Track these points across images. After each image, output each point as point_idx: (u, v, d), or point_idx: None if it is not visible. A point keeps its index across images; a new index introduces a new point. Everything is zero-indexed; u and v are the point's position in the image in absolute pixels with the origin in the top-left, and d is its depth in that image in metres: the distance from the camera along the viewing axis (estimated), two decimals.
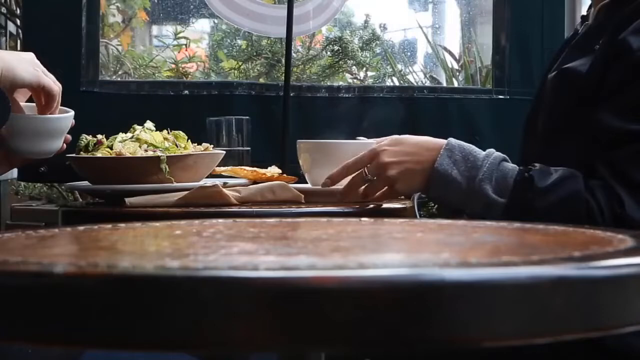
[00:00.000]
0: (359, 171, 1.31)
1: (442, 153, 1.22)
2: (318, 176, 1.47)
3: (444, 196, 1.25)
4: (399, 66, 3.23)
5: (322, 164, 1.47)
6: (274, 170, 1.53)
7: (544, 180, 1.15)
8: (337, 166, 1.36)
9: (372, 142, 1.48)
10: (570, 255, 0.54)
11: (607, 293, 0.49)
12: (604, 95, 1.18)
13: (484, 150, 1.24)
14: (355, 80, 3.08)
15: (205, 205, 1.29)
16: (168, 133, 1.44)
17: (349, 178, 1.35)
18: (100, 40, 2.53)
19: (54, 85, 1.25)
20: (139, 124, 1.45)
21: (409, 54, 3.50)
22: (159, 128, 1.45)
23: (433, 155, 1.23)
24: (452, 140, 1.25)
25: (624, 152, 1.13)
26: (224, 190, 1.32)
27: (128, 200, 1.31)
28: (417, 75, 3.29)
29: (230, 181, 1.45)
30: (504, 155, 1.22)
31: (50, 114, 1.26)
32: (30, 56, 1.26)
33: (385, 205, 1.35)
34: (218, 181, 1.39)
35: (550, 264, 0.49)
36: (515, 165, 1.21)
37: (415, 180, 1.26)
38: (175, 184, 1.35)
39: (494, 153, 1.22)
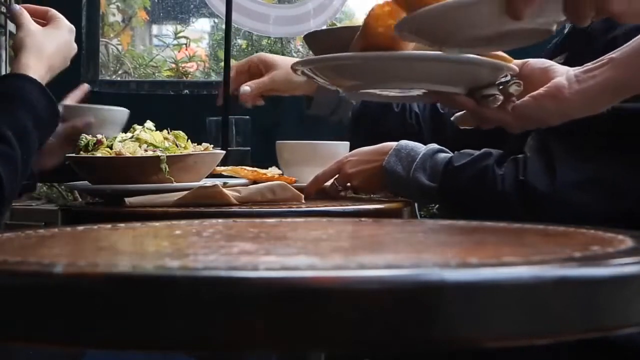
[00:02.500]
0: (329, 181, 1.44)
1: (390, 153, 1.34)
2: (294, 175, 1.52)
3: (397, 191, 1.37)
4: None
5: (297, 164, 1.55)
6: (274, 171, 1.53)
7: (460, 160, 1.26)
8: (313, 166, 1.49)
9: (346, 144, 1.54)
10: (571, 256, 0.54)
11: (608, 293, 0.49)
12: None
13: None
14: None
15: (205, 205, 1.29)
16: (168, 133, 1.44)
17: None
18: (100, 39, 2.53)
19: None
20: (139, 124, 1.45)
21: None
22: (159, 128, 1.45)
23: (385, 158, 1.35)
24: (403, 141, 1.36)
25: (555, 129, 1.15)
26: (224, 190, 1.32)
27: (128, 200, 1.31)
28: None
29: (230, 181, 1.45)
30: (441, 147, 1.33)
31: None
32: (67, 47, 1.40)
33: (385, 206, 1.36)
34: (218, 181, 1.39)
35: (550, 265, 0.49)
36: (450, 154, 1.31)
37: (374, 184, 1.40)
38: (175, 184, 1.35)
39: (431, 145, 1.33)
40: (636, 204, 1.15)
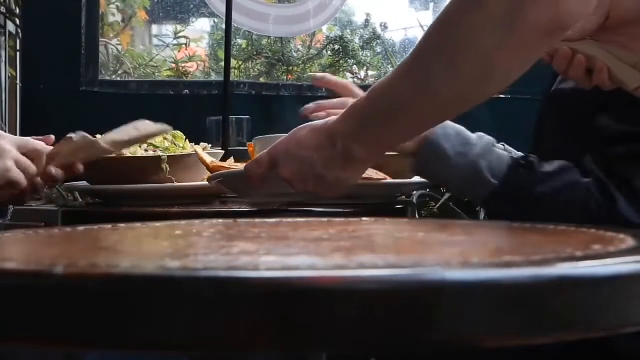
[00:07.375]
0: None
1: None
2: None
3: (432, 170, 1.22)
4: None
5: None
6: None
7: (545, 166, 1.17)
8: None
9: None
10: (572, 255, 0.54)
11: (609, 293, 0.49)
12: (604, 99, 1.18)
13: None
14: (356, 80, 3.07)
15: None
16: (167, 133, 1.44)
17: None
18: (100, 39, 2.53)
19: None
20: None
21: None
22: None
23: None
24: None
25: (619, 152, 1.13)
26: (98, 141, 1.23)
27: (99, 139, 1.23)
28: None
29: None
30: (494, 139, 1.21)
31: None
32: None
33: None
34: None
35: (551, 264, 0.49)
36: (507, 152, 1.20)
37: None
38: (175, 184, 1.35)
39: (485, 135, 1.22)
40: None
